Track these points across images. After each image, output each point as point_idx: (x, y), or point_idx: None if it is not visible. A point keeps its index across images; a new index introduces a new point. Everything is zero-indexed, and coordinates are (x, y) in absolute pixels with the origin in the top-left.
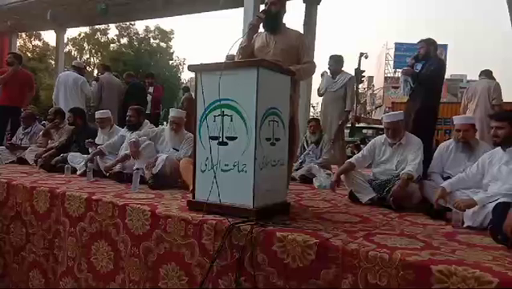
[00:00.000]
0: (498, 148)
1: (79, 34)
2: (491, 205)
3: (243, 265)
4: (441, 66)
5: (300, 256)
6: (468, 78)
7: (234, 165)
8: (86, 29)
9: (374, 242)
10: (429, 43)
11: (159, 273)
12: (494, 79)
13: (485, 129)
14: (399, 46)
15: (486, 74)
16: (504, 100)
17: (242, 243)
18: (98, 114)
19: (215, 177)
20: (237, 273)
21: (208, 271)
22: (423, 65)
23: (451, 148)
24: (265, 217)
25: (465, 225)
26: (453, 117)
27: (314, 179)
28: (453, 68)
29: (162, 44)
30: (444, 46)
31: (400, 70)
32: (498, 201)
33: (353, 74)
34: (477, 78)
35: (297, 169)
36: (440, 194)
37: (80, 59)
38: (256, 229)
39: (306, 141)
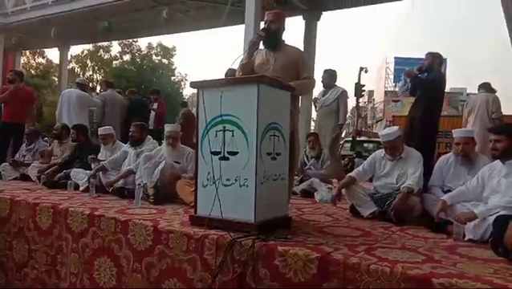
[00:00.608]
0: (498, 161)
1: (82, 52)
2: (492, 218)
3: (245, 280)
4: (441, 77)
5: (302, 270)
6: (468, 91)
7: (236, 180)
8: (89, 46)
9: (375, 256)
10: (435, 56)
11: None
12: (494, 91)
13: (484, 142)
14: (398, 61)
15: (485, 87)
16: (503, 113)
17: (244, 258)
18: (101, 130)
19: (217, 191)
20: (239, 288)
21: (210, 286)
22: (426, 77)
23: (451, 161)
24: (266, 231)
25: (466, 239)
26: (453, 130)
27: (315, 193)
28: (452, 82)
29: (164, 60)
30: (444, 60)
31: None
32: (499, 214)
33: (353, 88)
34: (477, 91)
35: (298, 184)
36: (441, 207)
37: (83, 75)
38: (257, 244)
39: (306, 156)
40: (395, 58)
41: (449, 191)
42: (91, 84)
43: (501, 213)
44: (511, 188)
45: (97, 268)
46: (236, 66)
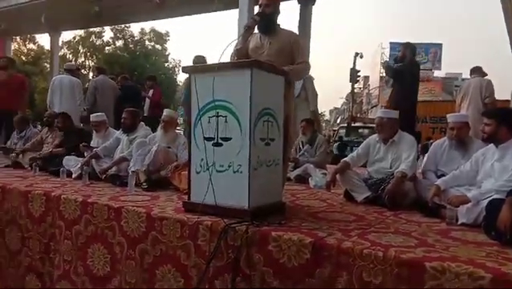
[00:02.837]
0: (491, 145)
1: (74, 38)
2: (485, 202)
3: (239, 265)
4: (411, 63)
5: (295, 255)
6: (463, 76)
7: (229, 166)
8: (81, 32)
9: (369, 240)
10: (406, 47)
11: (155, 275)
12: (486, 75)
13: (477, 127)
14: (394, 46)
15: (478, 71)
16: (497, 97)
17: (238, 244)
18: (93, 117)
19: (210, 178)
20: (233, 273)
21: (204, 272)
22: (396, 67)
23: (445, 146)
24: (260, 217)
25: (459, 222)
26: (447, 115)
27: (309, 179)
28: (448, 66)
29: (157, 46)
30: (439, 46)
31: None
32: (491, 197)
33: (349, 73)
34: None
35: (293, 169)
36: (435, 192)
37: (75, 62)
38: (251, 230)
39: (302, 142)
40: (390, 43)
41: (443, 176)
42: (83, 71)
43: (494, 196)
44: (504, 172)
45: (90, 255)
46: (229, 52)
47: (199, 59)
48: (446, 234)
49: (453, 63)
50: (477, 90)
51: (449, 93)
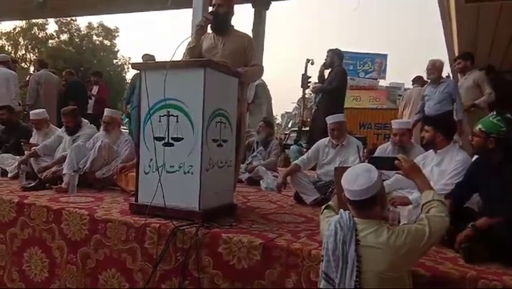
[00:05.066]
0: (431, 151)
1: (14, 28)
2: None
3: (188, 268)
4: (341, 78)
5: (245, 257)
6: (405, 86)
7: (180, 167)
8: (22, 23)
9: (317, 241)
10: (334, 53)
11: (98, 280)
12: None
13: (418, 134)
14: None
15: (419, 81)
16: None
17: (187, 246)
18: (33, 114)
19: (160, 178)
20: (182, 277)
21: (150, 276)
22: (328, 75)
23: (388, 150)
24: (211, 219)
25: (401, 224)
26: (392, 121)
27: (261, 181)
28: (392, 76)
29: (106, 42)
30: (385, 56)
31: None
32: None
33: (300, 79)
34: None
35: (244, 172)
36: None
37: (15, 54)
38: (201, 232)
39: (257, 142)
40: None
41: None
42: (24, 64)
43: None
44: (442, 176)
45: (27, 260)
46: (181, 51)
47: (148, 58)
48: None
49: (397, 73)
50: (418, 99)
51: (393, 101)
